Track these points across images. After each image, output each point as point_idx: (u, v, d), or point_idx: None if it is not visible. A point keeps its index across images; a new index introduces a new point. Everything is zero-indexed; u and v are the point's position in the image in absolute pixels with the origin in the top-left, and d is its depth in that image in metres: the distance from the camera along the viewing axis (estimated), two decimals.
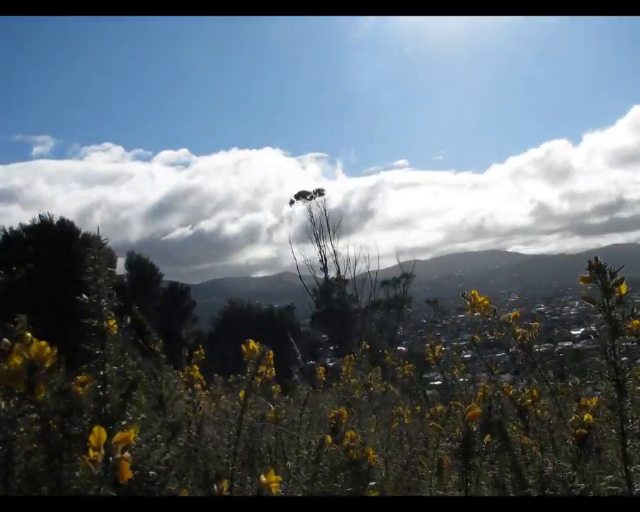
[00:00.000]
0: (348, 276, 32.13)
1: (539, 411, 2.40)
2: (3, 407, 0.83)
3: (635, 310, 1.28)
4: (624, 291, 1.26)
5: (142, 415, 0.96)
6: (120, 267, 26.84)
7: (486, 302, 2.13)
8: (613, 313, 1.25)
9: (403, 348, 35.93)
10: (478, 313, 2.15)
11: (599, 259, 1.29)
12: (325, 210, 32.62)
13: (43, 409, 0.82)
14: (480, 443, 1.28)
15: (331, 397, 5.03)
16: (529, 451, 2.17)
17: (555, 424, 2.34)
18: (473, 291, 2.17)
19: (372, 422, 2.64)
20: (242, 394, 1.99)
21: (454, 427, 1.28)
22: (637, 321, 2.46)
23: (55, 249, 22.60)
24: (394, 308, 31.66)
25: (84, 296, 0.94)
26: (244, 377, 2.54)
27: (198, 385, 2.14)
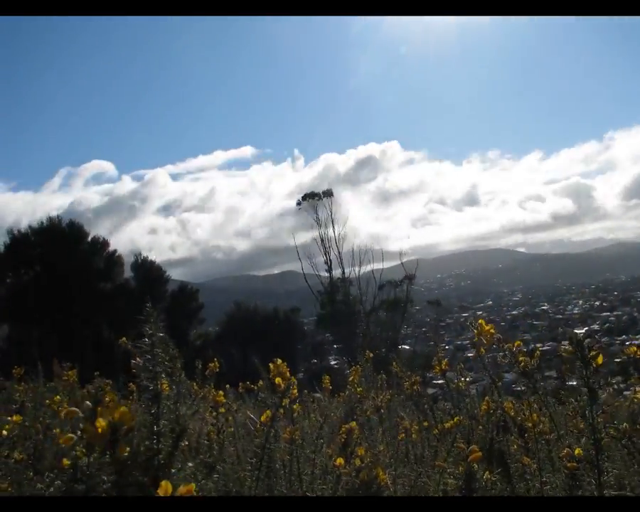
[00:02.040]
0: (353, 276, 32.40)
1: (538, 430, 2.54)
2: (85, 461, 0.97)
3: (610, 379, 1.44)
4: (600, 362, 1.42)
5: (189, 464, 1.11)
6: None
7: (492, 331, 2.28)
8: (590, 382, 1.41)
9: (407, 347, 36.13)
10: (485, 341, 2.30)
11: (579, 335, 1.45)
12: (331, 212, 32.91)
13: (120, 465, 0.96)
14: (481, 480, 1.42)
15: (337, 405, 5.17)
16: (528, 471, 2.31)
17: (553, 443, 2.48)
18: (480, 320, 2.32)
19: (381, 440, 2.78)
20: (263, 417, 2.14)
21: (457, 465, 1.42)
22: (634, 348, 2.59)
23: (64, 251, 22.83)
24: (397, 309, 31.89)
25: (139, 360, 1.08)
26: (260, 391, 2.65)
27: (223, 409, 2.26)
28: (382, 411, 2.76)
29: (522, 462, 2.44)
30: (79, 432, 0.99)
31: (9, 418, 2.57)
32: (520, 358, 2.33)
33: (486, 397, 3.31)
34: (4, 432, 2.12)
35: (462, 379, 4.15)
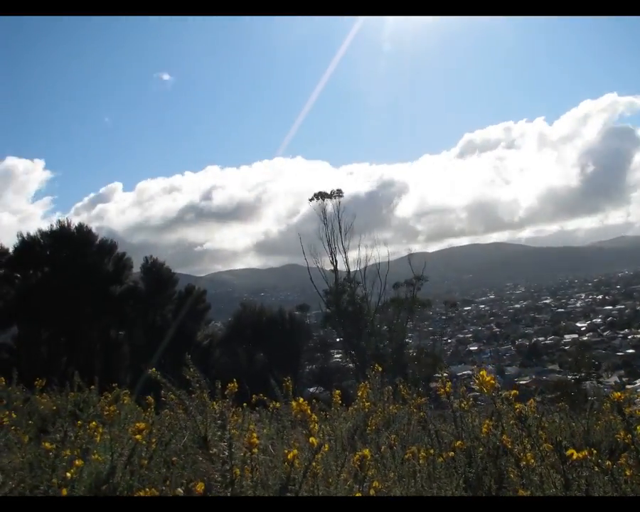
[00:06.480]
0: (359, 275, 32.70)
1: (532, 461, 2.87)
2: None
3: (580, 472, 1.75)
4: (574, 457, 1.73)
5: None
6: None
7: (492, 382, 2.60)
8: (567, 473, 1.73)
9: (410, 341, 36.51)
10: (485, 390, 2.61)
11: (559, 438, 1.76)
12: (339, 211, 33.18)
13: None
14: None
15: (346, 417, 5.45)
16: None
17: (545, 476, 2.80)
18: (482, 372, 2.63)
19: (392, 471, 3.07)
20: (290, 455, 2.44)
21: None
22: (619, 393, 2.89)
23: (72, 253, 23.20)
24: (409, 309, 32.30)
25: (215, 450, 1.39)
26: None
27: (255, 450, 2.51)
28: (394, 448, 3.06)
29: (516, 492, 2.77)
30: None
31: (64, 453, 2.81)
32: (516, 406, 2.63)
33: (486, 421, 3.64)
34: (68, 475, 2.41)
35: (464, 401, 4.46)
